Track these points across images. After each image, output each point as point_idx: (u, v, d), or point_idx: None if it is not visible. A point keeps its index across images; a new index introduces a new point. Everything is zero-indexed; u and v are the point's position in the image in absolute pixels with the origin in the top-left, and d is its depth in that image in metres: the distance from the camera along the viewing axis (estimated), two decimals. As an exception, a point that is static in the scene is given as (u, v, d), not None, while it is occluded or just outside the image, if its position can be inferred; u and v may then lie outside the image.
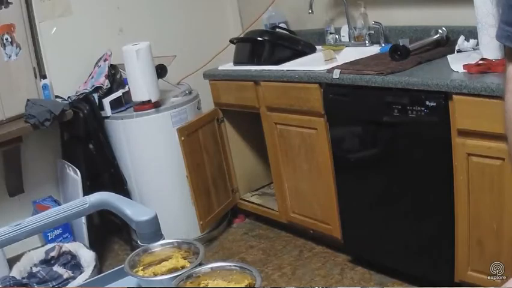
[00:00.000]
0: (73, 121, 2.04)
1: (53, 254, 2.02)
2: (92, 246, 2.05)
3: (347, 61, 1.68)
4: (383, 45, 1.80)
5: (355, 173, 1.64)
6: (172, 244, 0.73)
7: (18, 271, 1.99)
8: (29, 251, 2.02)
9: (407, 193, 1.46)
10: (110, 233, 2.35)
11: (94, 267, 1.89)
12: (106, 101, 2.10)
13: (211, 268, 0.66)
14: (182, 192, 2.03)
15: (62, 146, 2.20)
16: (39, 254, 2.04)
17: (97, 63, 2.17)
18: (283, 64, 1.85)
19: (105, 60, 2.18)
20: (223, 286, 0.65)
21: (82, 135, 2.07)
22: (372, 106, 1.47)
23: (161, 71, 2.21)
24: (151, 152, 2.06)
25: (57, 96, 2.14)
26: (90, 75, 2.15)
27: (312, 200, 1.82)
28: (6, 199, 2.16)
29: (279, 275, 1.84)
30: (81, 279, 1.82)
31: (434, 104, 1.29)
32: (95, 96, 2.12)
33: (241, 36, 2.16)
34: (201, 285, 0.66)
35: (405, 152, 1.43)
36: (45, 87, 2.12)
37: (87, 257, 1.99)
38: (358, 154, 1.61)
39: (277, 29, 2.14)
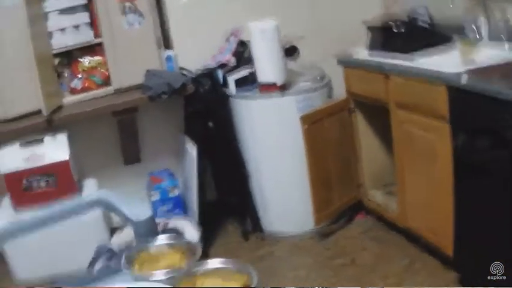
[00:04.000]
0: (194, 96, 3.56)
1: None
2: (204, 224, 3.55)
3: (485, 64, 2.66)
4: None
5: (476, 186, 2.60)
6: (169, 243, 1.46)
7: (118, 241, 3.53)
8: None
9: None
10: (226, 212, 3.91)
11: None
12: (231, 79, 3.62)
13: (208, 267, 1.31)
14: (302, 182, 3.42)
15: (184, 120, 3.76)
16: None
17: (227, 38, 3.68)
18: (416, 55, 2.97)
19: (235, 36, 3.65)
20: (219, 285, 1.25)
21: (202, 112, 3.63)
22: (503, 120, 2.32)
23: (292, 52, 3.63)
24: (273, 136, 3.51)
25: (182, 69, 3.68)
26: (219, 49, 3.68)
27: (429, 209, 2.99)
28: (121, 167, 3.89)
29: (381, 285, 3.04)
30: None
31: None
32: (220, 72, 3.66)
33: (377, 20, 3.36)
34: (197, 284, 1.25)
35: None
36: (168, 58, 3.66)
37: (192, 236, 3.49)
38: (482, 167, 2.55)
39: (415, 16, 3.31)
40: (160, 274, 1.34)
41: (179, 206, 3.83)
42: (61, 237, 3.43)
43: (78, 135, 3.84)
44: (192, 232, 3.57)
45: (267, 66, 3.44)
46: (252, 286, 1.23)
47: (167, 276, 1.31)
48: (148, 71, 3.60)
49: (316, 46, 3.79)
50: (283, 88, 3.47)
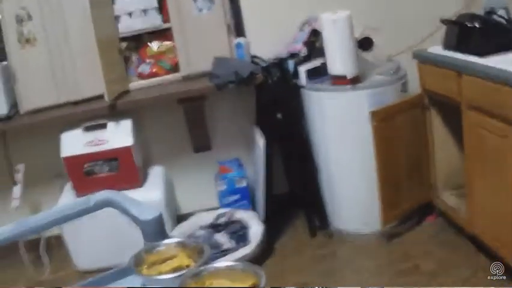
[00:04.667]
0: (264, 86, 3.77)
1: (222, 220, 3.90)
2: (270, 218, 3.84)
3: None
4: None
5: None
6: (177, 243, 1.55)
7: (181, 230, 3.89)
8: (206, 210, 4.04)
9: None
10: (294, 206, 4.15)
11: (260, 242, 3.68)
12: (302, 69, 3.89)
13: (216, 267, 1.38)
14: (370, 180, 3.59)
15: (256, 110, 4.04)
16: (209, 217, 3.97)
17: (301, 28, 3.88)
18: (492, 55, 3.07)
19: (309, 25, 3.83)
20: (227, 286, 1.33)
21: (271, 102, 3.86)
22: None
23: (366, 44, 3.81)
24: (343, 131, 3.69)
25: (254, 57, 3.92)
26: (293, 39, 3.86)
27: (496, 217, 3.09)
28: (191, 154, 4.22)
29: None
30: (241, 253, 3.59)
31: None
32: (291, 62, 3.87)
33: (454, 17, 3.50)
34: (206, 285, 1.33)
35: None
36: (238, 45, 3.88)
37: (256, 230, 3.77)
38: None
39: (494, 15, 3.40)
40: (168, 275, 1.46)
41: (247, 197, 4.13)
42: (122, 224, 3.86)
43: (145, 121, 4.20)
44: (256, 225, 3.84)
45: (338, 58, 3.63)
46: (260, 287, 1.33)
47: (175, 277, 1.41)
48: (216, 58, 3.84)
49: (392, 39, 3.96)
50: (355, 81, 3.65)
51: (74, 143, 3.95)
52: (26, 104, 3.94)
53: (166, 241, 1.64)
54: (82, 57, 3.81)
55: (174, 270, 1.48)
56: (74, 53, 3.84)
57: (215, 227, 3.93)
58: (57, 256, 4.20)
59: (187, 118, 4.07)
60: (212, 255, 3.33)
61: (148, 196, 3.87)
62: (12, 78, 3.89)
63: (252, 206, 4.11)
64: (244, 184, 4.14)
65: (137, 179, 3.97)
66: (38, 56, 3.85)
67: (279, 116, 3.86)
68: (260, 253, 3.77)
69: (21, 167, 4.06)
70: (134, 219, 1.76)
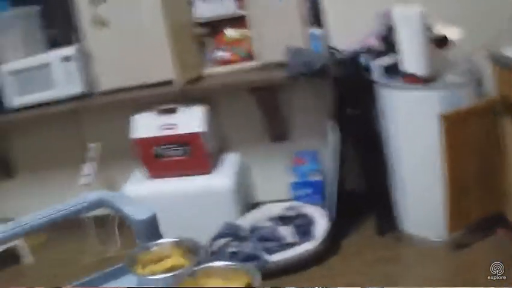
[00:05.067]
0: (338, 79, 3.88)
1: (291, 213, 4.03)
2: (340, 214, 3.91)
3: None
4: None
5: None
6: (171, 243, 1.62)
7: (249, 220, 4.06)
8: (279, 201, 4.22)
9: None
10: (365, 204, 4.19)
11: (324, 239, 3.79)
12: (375, 65, 4.02)
13: (210, 266, 1.46)
14: (437, 184, 3.61)
15: (332, 102, 4.09)
16: (278, 209, 4.12)
17: (378, 21, 3.87)
18: None
19: (385, 18, 3.83)
20: (221, 286, 1.41)
21: (343, 97, 4.00)
22: None
23: (441, 42, 3.78)
24: (415, 131, 3.72)
25: (332, 48, 3.99)
26: (369, 32, 3.90)
27: None
28: (267, 143, 4.41)
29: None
30: (303, 248, 3.75)
31: None
32: (365, 57, 3.90)
33: None
34: (199, 285, 1.40)
35: None
36: (313, 36, 4.00)
37: (322, 226, 3.89)
38: None
39: None
40: (162, 274, 1.53)
41: (318, 192, 4.25)
42: (192, 205, 4.12)
43: (222, 108, 4.40)
44: (323, 222, 3.98)
45: (410, 55, 3.66)
46: (254, 286, 1.40)
47: (170, 276, 1.49)
48: (289, 48, 3.95)
49: (470, 38, 4.02)
50: (427, 80, 3.67)
51: (145, 125, 4.23)
52: (101, 85, 4.27)
53: (161, 241, 1.74)
54: (156, 41, 4.03)
55: (168, 270, 1.57)
56: (148, 37, 4.06)
57: (282, 219, 4.08)
58: (126, 234, 4.44)
59: (260, 107, 4.25)
60: (274, 247, 3.65)
61: (217, 183, 4.16)
62: (87, 59, 4.22)
63: (323, 201, 4.21)
64: (317, 178, 4.27)
65: (207, 166, 4.21)
66: (112, 38, 4.13)
67: (350, 111, 3.98)
68: (323, 250, 3.90)
69: (95, 145, 4.39)
70: (127, 219, 1.86)
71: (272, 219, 4.11)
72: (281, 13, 4.07)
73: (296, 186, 4.29)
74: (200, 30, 4.30)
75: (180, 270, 1.53)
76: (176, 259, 1.64)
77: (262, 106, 4.25)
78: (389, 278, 3.68)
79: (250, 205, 4.46)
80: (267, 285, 3.47)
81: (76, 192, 4.14)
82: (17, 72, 4.45)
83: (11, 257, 4.60)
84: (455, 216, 3.75)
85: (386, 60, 3.89)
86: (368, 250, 4.00)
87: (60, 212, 1.97)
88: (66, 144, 4.66)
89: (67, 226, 4.08)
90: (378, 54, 3.93)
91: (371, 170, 4.12)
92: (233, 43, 4.24)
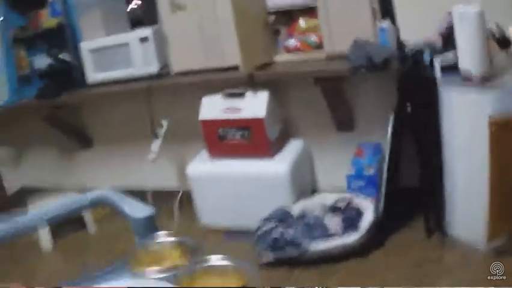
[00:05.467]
0: (399, 73, 3.98)
1: (341, 204, 4.18)
2: (389, 211, 4.08)
3: None
4: None
5: None
6: (170, 242, 1.70)
7: (301, 206, 4.25)
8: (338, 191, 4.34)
9: None
10: (417, 202, 4.24)
11: (367, 234, 3.94)
12: (437, 62, 4.23)
13: (209, 266, 1.55)
14: (483, 188, 3.66)
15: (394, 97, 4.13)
16: (331, 198, 4.29)
17: (445, 17, 3.91)
18: None
19: (449, 15, 3.87)
20: (219, 285, 1.48)
21: (405, 91, 4.03)
22: None
23: (504, 43, 3.77)
24: (469, 133, 3.78)
25: (400, 43, 4.08)
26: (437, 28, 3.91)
27: None
28: (333, 132, 4.57)
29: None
30: (345, 240, 3.92)
31: None
32: (428, 53, 3.95)
33: None
34: (198, 283, 1.47)
35: None
36: (382, 30, 4.08)
37: (368, 220, 4.01)
38: None
39: None
40: (160, 273, 1.60)
41: (372, 185, 4.38)
42: (249, 188, 4.45)
43: (290, 94, 4.65)
44: (370, 216, 4.14)
45: (465, 54, 3.76)
46: (253, 286, 1.46)
47: (168, 275, 1.56)
48: (355, 41, 4.05)
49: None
50: (483, 81, 3.74)
51: (213, 107, 4.52)
52: (175, 66, 4.59)
53: (160, 240, 1.83)
54: (224, 27, 4.32)
55: (167, 268, 1.66)
56: (221, 22, 4.33)
57: (332, 209, 4.25)
58: (186, 212, 4.93)
59: (325, 97, 4.57)
60: (318, 236, 3.91)
61: (274, 168, 4.41)
62: (163, 41, 4.57)
63: (375, 196, 4.35)
64: (372, 172, 4.39)
65: (267, 151, 4.45)
66: (187, 22, 4.42)
67: (408, 106, 4.11)
68: (365, 244, 4.06)
69: (165, 122, 4.75)
70: (126, 217, 1.98)
71: (323, 208, 4.30)
72: (351, 5, 4.25)
73: (351, 178, 4.44)
74: (273, 19, 4.58)
75: (178, 270, 1.61)
76: (175, 259, 1.72)
77: (328, 96, 4.51)
78: (427, 279, 3.77)
79: (307, 192, 4.68)
80: (305, 273, 3.80)
81: (145, 166, 4.70)
82: (97, 50, 4.90)
83: (79, 224, 5.16)
84: (496, 223, 3.79)
85: (447, 58, 3.99)
86: (412, 249, 4.10)
87: (63, 210, 2.12)
88: (138, 120, 5.04)
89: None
90: (440, 51, 4.03)
91: (426, 168, 4.19)
92: (304, 32, 4.50)
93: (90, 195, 2.17)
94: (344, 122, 4.63)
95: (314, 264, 4.00)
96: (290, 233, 4.07)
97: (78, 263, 4.50)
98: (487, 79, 3.77)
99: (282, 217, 4.24)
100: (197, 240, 1.78)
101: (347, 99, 4.52)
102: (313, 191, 4.79)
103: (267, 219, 4.24)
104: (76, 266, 4.45)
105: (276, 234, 4.09)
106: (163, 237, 1.85)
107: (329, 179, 4.81)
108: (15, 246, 4.84)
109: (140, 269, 1.68)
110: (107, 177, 5.52)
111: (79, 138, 5.74)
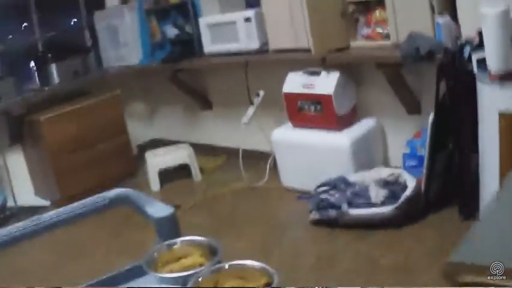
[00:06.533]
0: (441, 66, 4.37)
1: (391, 178, 4.64)
2: (434, 192, 4.49)
3: None
4: None
5: None
6: (191, 242, 1.75)
7: (358, 177, 4.77)
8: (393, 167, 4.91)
9: None
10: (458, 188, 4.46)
11: (402, 208, 4.36)
12: (474, 57, 4.66)
13: (229, 266, 1.57)
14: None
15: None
16: (385, 173, 4.76)
17: None
18: None
19: None
20: (240, 285, 1.51)
21: (447, 83, 4.42)
22: None
23: None
24: (490, 125, 4.02)
25: (458, 38, 4.43)
26: None
27: None
28: (404, 115, 5.06)
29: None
30: (379, 210, 4.44)
31: None
32: (468, 48, 4.63)
33: None
34: (219, 284, 1.50)
35: None
36: (438, 25, 4.44)
37: (408, 197, 4.42)
38: None
39: None
40: (181, 274, 1.60)
41: (422, 165, 4.73)
42: (317, 157, 5.20)
43: (365, 78, 5.33)
44: (411, 193, 4.56)
45: (488, 51, 4.07)
46: (273, 286, 1.47)
47: (189, 276, 1.56)
48: (410, 33, 4.51)
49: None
50: (503, 78, 4.01)
51: (294, 82, 5.20)
52: (272, 44, 5.35)
53: (180, 239, 1.84)
54: (301, 14, 5.02)
55: (188, 268, 1.67)
56: (302, 9, 5.03)
57: (383, 183, 4.73)
58: (274, 173, 5.67)
59: (387, 81, 5.17)
60: (360, 203, 4.74)
61: (338, 140, 5.05)
62: (263, 21, 5.37)
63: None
64: (423, 152, 4.74)
65: (335, 124, 5.05)
66: (281, 7, 5.18)
67: (446, 98, 4.52)
68: (400, 217, 4.46)
69: (261, 92, 5.52)
70: (147, 217, 1.98)
71: (376, 180, 4.78)
72: (412, 0, 4.72)
73: (405, 156, 4.90)
74: (353, 8, 5.24)
75: (199, 269, 1.63)
76: (196, 258, 1.74)
77: (390, 80, 5.09)
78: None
79: (376, 165, 5.19)
80: (342, 233, 4.53)
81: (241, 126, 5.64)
82: (212, 25, 5.72)
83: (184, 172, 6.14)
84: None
85: (481, 54, 4.28)
86: (444, 228, 4.40)
87: (84, 209, 2.11)
88: (238, 88, 5.89)
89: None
90: (476, 47, 4.36)
91: (464, 156, 4.54)
92: (378, 22, 5.09)
93: (109, 196, 2.17)
94: (411, 105, 5.09)
95: (352, 227, 4.51)
96: (336, 196, 4.63)
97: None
98: (505, 77, 4.05)
99: (336, 183, 4.79)
100: (217, 241, 1.77)
101: (407, 85, 4.99)
102: (386, 164, 5.32)
103: (323, 184, 4.83)
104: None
105: (323, 196, 4.68)
106: (185, 237, 1.86)
107: (392, 155, 5.35)
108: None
109: (162, 270, 1.71)
110: (225, 133, 6.69)
111: (201, 100, 6.79)
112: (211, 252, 1.75)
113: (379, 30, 5.00)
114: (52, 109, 6.14)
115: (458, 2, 4.58)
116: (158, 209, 2.00)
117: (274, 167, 5.58)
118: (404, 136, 5.09)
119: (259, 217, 5.19)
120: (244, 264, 1.65)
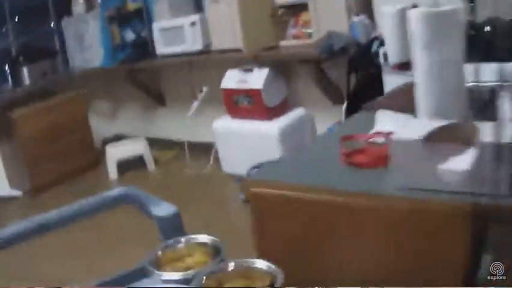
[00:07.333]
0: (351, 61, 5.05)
1: None
2: None
3: None
4: None
5: None
6: (194, 241, 1.72)
7: None
8: None
9: None
10: None
11: None
12: (381, 51, 5.28)
13: (232, 266, 1.55)
14: None
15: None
16: None
17: None
18: None
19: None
20: (244, 285, 1.50)
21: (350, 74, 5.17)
22: None
23: None
24: None
25: (376, 37, 4.85)
26: None
27: None
28: (329, 106, 5.67)
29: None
30: None
31: None
32: (376, 43, 5.39)
33: None
34: (222, 284, 1.49)
35: None
36: (353, 24, 5.02)
37: None
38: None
39: None
40: (185, 273, 1.58)
41: None
42: (251, 145, 5.80)
43: (294, 73, 5.90)
44: None
45: (390, 44, 4.13)
46: (277, 286, 1.45)
47: (192, 276, 1.54)
48: (327, 32, 5.09)
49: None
50: (402, 67, 4.32)
51: (231, 79, 5.80)
52: (215, 45, 6.00)
53: (183, 238, 1.79)
54: (232, 17, 5.70)
55: (191, 268, 1.64)
56: (241, 12, 5.69)
57: None
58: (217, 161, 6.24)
59: (311, 76, 5.73)
60: None
61: (267, 129, 5.64)
62: (206, 25, 6.05)
63: None
64: None
65: (265, 114, 5.66)
66: (222, 11, 5.83)
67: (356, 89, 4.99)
68: None
69: (205, 88, 6.16)
70: (151, 216, 1.94)
71: None
72: (330, 3, 5.31)
73: None
74: (281, 11, 5.80)
75: (201, 268, 1.59)
76: (199, 257, 1.71)
77: (314, 75, 5.73)
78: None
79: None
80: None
81: (189, 120, 6.25)
82: (163, 30, 6.35)
83: (140, 163, 6.79)
84: None
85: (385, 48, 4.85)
86: None
87: (86, 208, 2.08)
88: (187, 85, 6.60)
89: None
90: (382, 42, 4.88)
91: None
92: (304, 23, 5.66)
93: (112, 194, 2.14)
94: (334, 96, 5.70)
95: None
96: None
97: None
98: (402, 66, 4.23)
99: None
100: (221, 241, 1.75)
101: (329, 78, 5.62)
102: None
103: (254, 167, 5.35)
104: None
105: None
106: (188, 236, 1.82)
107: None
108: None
109: (165, 269, 1.68)
110: (176, 128, 7.32)
111: (156, 97, 7.48)
112: (215, 251, 1.72)
113: (305, 30, 5.58)
114: (24, 107, 6.84)
115: (373, 4, 5.09)
116: (162, 208, 1.98)
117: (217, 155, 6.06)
118: (330, 123, 5.47)
119: (202, 198, 5.90)
120: (248, 264, 1.61)
